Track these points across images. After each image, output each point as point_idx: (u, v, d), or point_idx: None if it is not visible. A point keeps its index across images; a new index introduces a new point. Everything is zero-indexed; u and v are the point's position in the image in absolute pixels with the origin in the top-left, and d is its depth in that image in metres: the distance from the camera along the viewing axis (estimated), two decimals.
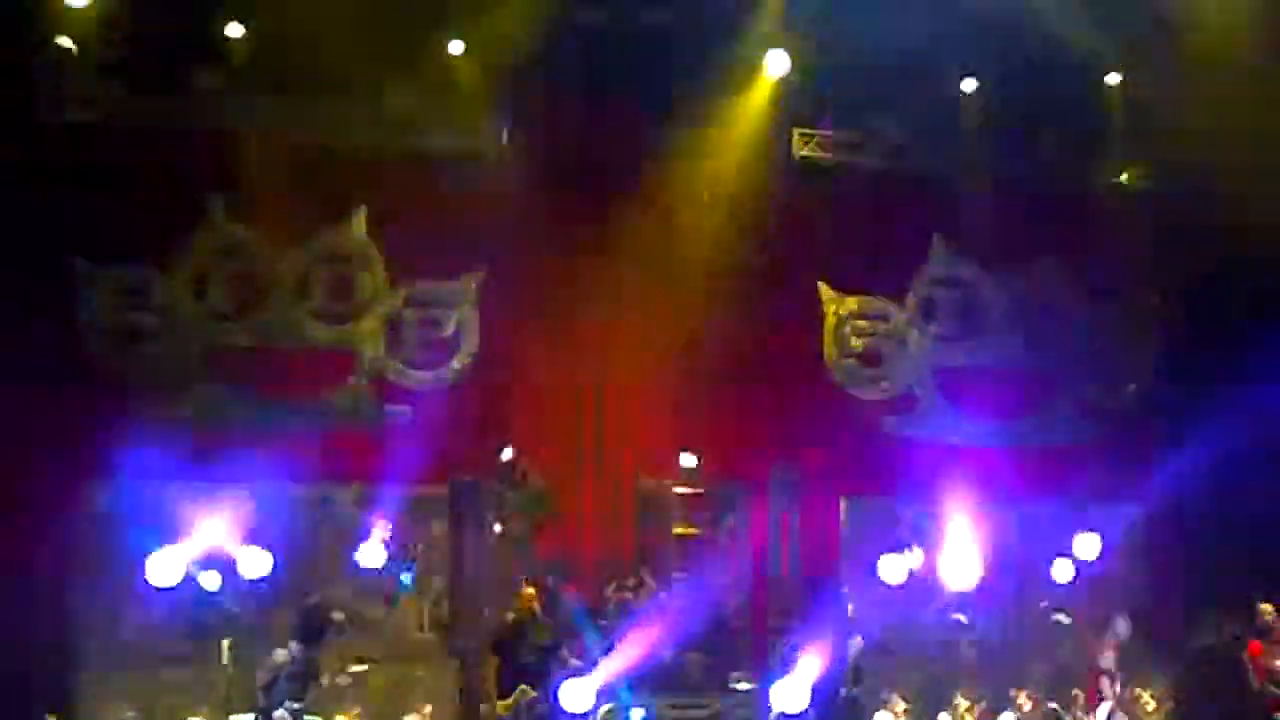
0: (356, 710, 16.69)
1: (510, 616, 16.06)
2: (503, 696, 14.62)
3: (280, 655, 14.83)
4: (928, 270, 20.13)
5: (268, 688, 14.52)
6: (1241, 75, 17.43)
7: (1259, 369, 17.60)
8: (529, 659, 14.84)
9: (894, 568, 18.22)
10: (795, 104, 19.16)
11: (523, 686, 14.68)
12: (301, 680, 14.60)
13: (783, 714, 16.79)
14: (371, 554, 17.48)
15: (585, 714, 15.43)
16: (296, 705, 14.39)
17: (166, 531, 16.41)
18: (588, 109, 18.39)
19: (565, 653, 15.06)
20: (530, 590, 15.45)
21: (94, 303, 17.58)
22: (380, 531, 17.33)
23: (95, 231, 17.27)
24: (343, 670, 15.60)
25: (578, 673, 15.06)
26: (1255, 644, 15.69)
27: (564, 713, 15.13)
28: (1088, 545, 18.58)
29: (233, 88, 17.72)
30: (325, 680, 15.08)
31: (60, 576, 16.67)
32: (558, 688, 14.97)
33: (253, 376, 17.98)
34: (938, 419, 19.85)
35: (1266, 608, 15.91)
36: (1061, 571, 18.57)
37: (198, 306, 17.94)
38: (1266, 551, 17.79)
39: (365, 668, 15.77)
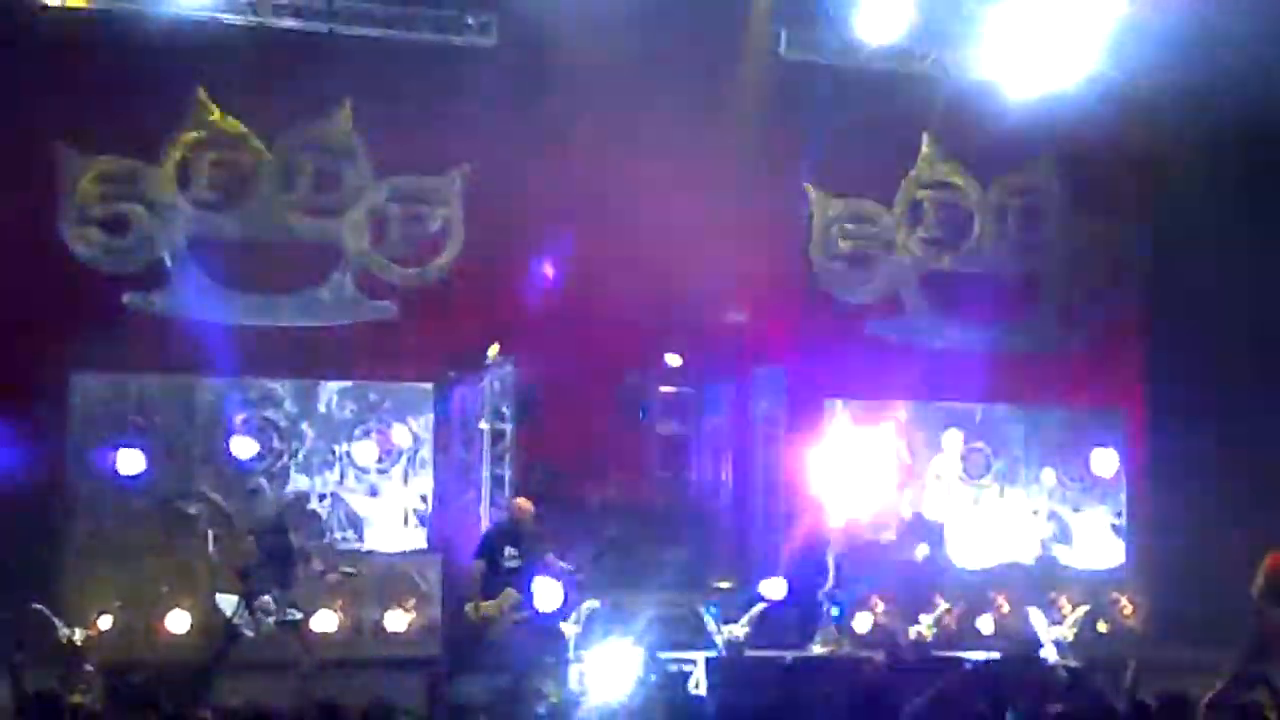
0: (340, 603, 16.76)
1: (502, 519, 15.99)
2: (488, 598, 14.67)
3: (249, 543, 14.75)
4: (916, 173, 20.05)
5: (244, 574, 14.45)
6: None
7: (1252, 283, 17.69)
8: (515, 562, 14.88)
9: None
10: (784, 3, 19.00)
11: (509, 589, 14.71)
12: (280, 567, 14.51)
13: (766, 606, 16.92)
14: (366, 451, 17.50)
15: (561, 611, 15.49)
16: (278, 592, 14.33)
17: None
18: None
19: (552, 558, 15.07)
20: (524, 502, 15.45)
21: (79, 191, 17.40)
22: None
23: (81, 119, 17.07)
24: (332, 570, 15.45)
25: (561, 576, 15.09)
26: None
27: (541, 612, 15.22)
28: (1104, 461, 18.72)
29: None
30: (317, 566, 14.96)
31: (44, 468, 16.62)
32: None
33: (237, 268, 17.87)
34: (923, 323, 19.87)
35: None
36: (1047, 477, 18.69)
37: (182, 197, 17.78)
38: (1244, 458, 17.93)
39: (355, 570, 15.70)
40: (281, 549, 14.54)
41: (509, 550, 14.82)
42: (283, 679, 13.93)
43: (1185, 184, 18.77)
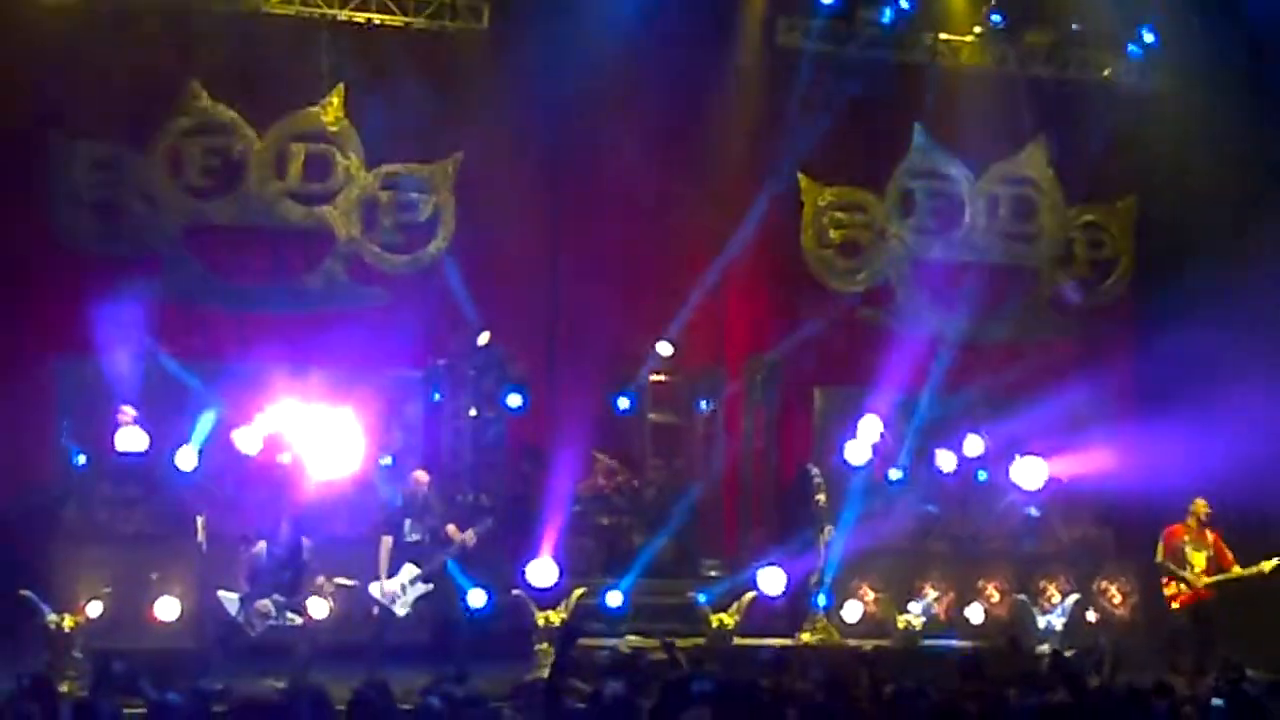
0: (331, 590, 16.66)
1: (405, 494, 15.88)
2: (391, 575, 14.77)
3: (260, 546, 14.62)
4: (907, 162, 20.04)
5: (252, 577, 14.39)
6: None
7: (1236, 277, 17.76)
8: (415, 537, 14.94)
9: (859, 450, 18.17)
10: None
11: (409, 564, 14.76)
12: (289, 575, 14.44)
13: (756, 597, 16.93)
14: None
15: (548, 590, 15.52)
16: (282, 599, 14.28)
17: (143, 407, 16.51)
18: None
19: (452, 528, 15.07)
20: (421, 473, 15.45)
21: (70, 178, 17.37)
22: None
23: (73, 106, 17.03)
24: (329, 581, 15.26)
25: (467, 554, 15.11)
26: (1177, 527, 16.35)
27: (458, 593, 15.30)
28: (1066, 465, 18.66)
29: None
30: (320, 581, 14.80)
31: (35, 454, 16.61)
32: (448, 569, 15.08)
33: (229, 255, 17.86)
34: (914, 311, 19.86)
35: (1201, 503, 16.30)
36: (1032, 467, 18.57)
37: (174, 183, 17.74)
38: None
39: (354, 583, 15.50)
40: (294, 559, 14.49)
41: (409, 525, 14.91)
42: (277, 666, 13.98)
43: (1175, 172, 18.84)
